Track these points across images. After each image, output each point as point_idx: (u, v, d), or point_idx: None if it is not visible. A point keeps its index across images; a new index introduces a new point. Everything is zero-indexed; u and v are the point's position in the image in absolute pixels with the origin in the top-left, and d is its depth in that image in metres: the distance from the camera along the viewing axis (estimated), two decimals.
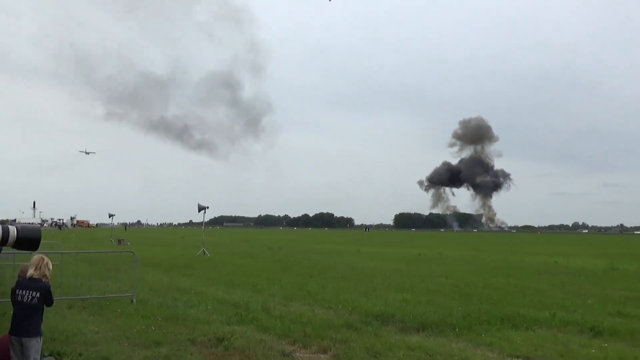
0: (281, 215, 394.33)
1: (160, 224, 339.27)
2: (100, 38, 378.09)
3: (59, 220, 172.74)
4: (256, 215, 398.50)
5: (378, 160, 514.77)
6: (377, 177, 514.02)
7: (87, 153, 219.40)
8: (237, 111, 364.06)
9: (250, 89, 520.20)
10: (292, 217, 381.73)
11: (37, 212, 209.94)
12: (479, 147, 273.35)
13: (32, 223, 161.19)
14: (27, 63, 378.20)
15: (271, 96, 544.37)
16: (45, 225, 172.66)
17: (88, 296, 13.44)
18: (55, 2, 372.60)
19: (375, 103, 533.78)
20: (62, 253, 19.78)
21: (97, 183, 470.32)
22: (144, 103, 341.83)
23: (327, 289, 16.19)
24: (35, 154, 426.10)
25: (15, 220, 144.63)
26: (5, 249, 4.08)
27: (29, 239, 2.46)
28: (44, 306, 6.56)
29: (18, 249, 2.54)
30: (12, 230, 2.42)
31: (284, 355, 8.41)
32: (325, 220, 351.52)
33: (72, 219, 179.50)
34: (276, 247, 42.70)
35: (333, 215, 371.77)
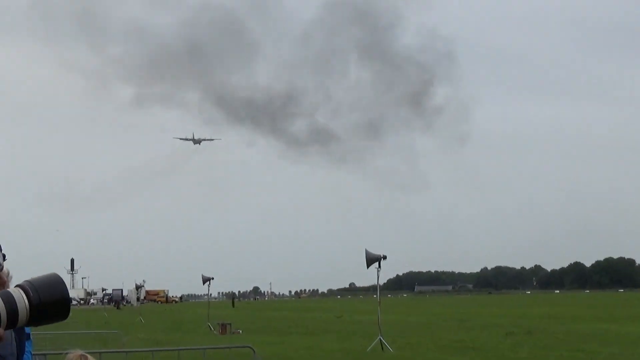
0: (525, 268, 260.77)
1: (296, 292, 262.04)
2: None
3: (115, 291, 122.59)
4: (476, 270, 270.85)
5: None
6: None
7: (196, 142, 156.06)
8: (385, 76, 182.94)
9: (410, 28, 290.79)
10: (547, 269, 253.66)
11: (76, 277, 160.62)
12: None
13: (71, 299, 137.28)
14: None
15: (453, 40, 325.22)
16: (92, 301, 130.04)
17: None
18: None
19: None
20: (126, 352, 18.02)
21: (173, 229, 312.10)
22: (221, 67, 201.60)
23: None
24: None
25: None
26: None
27: (51, 303, 1.86)
28: None
29: (38, 324, 1.92)
30: (19, 297, 1.80)
31: None
32: (617, 274, 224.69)
33: (137, 288, 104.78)
34: (522, 331, 32.77)
35: (634, 262, 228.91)
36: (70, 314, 1.95)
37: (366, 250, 27.06)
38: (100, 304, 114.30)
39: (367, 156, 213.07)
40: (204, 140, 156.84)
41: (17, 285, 1.89)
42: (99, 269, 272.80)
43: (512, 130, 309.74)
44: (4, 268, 3.05)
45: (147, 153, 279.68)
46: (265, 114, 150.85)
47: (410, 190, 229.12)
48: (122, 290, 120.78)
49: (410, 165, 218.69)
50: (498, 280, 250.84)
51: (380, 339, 26.28)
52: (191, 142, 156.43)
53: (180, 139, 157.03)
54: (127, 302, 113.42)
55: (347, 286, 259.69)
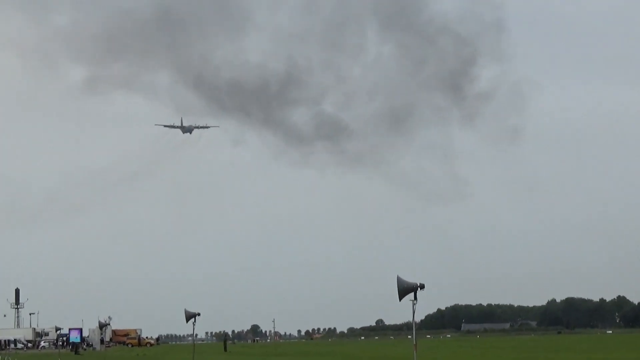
0: (605, 300, 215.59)
1: (307, 331, 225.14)
2: None
3: (73, 333, 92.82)
4: (542, 303, 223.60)
5: None
6: None
7: (186, 130, 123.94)
8: (414, 52, 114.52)
9: None
10: (634, 301, 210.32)
11: (22, 313, 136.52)
12: None
13: (16, 341, 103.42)
14: None
15: (502, 5, 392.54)
16: (43, 344, 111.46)
17: None
18: None
19: None
20: None
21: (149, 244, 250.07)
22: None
23: None
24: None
25: None
26: None
27: None
28: None
29: None
30: None
31: None
32: None
33: (102, 327, 79.26)
34: None
35: None
36: None
37: (398, 278, 19.09)
38: (53, 347, 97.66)
39: (390, 156, 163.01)
40: (197, 127, 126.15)
41: None
42: (51, 302, 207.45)
43: (581, 121, 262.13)
44: None
45: (110, 151, 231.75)
46: (258, 101, 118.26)
47: (450, 200, 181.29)
48: (81, 329, 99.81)
49: (448, 168, 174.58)
50: (570, 316, 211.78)
51: None
52: (179, 131, 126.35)
53: (165, 126, 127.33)
54: (88, 345, 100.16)
55: (374, 324, 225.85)
